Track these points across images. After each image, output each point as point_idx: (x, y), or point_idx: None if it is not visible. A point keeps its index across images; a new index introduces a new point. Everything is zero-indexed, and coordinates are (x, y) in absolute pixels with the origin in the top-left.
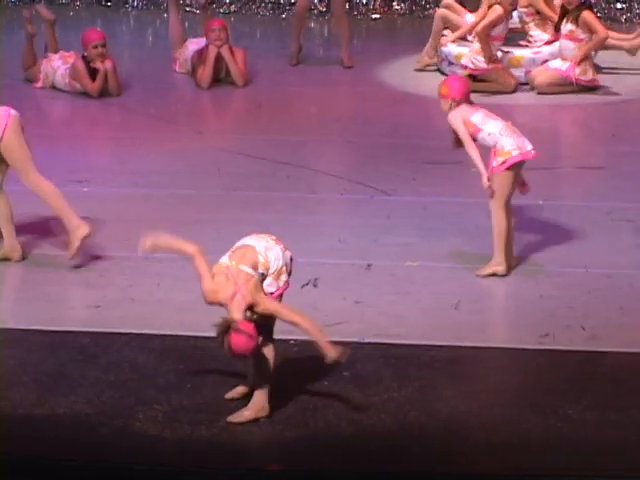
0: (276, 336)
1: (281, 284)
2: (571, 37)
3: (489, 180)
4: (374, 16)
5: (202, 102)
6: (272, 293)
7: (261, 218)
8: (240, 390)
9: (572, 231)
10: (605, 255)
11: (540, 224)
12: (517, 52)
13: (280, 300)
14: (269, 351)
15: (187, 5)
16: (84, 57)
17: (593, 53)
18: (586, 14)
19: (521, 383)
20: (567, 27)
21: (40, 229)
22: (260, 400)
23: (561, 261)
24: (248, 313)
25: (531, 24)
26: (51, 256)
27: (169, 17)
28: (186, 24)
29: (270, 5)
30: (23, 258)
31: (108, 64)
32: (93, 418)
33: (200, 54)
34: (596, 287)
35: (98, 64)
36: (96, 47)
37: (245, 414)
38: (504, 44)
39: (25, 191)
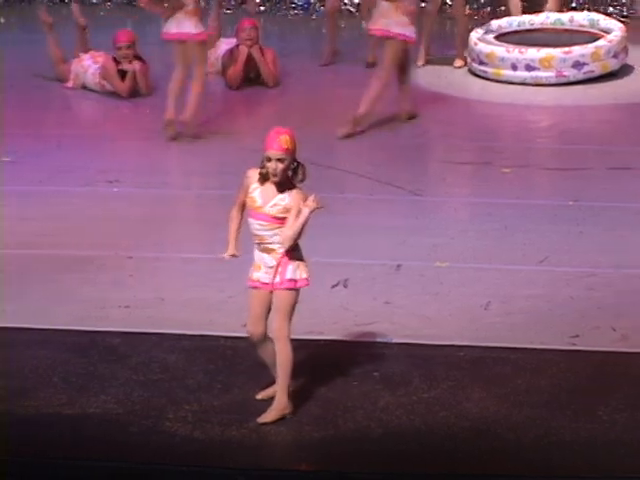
0: (305, 336)
1: None
2: None
3: None
4: None
5: (232, 102)
6: None
7: None
8: (270, 391)
9: (602, 232)
10: (636, 256)
11: (570, 225)
12: (545, 52)
13: None
14: (286, 350)
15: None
16: (114, 58)
17: None
18: None
19: (550, 384)
20: None
21: (69, 229)
22: (282, 399)
23: (591, 262)
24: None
25: None
26: (82, 256)
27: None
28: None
29: (300, 6)
30: None
31: (136, 65)
32: (123, 418)
33: (230, 54)
34: (627, 288)
35: (126, 65)
36: (121, 48)
37: (271, 414)
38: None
39: (58, 191)
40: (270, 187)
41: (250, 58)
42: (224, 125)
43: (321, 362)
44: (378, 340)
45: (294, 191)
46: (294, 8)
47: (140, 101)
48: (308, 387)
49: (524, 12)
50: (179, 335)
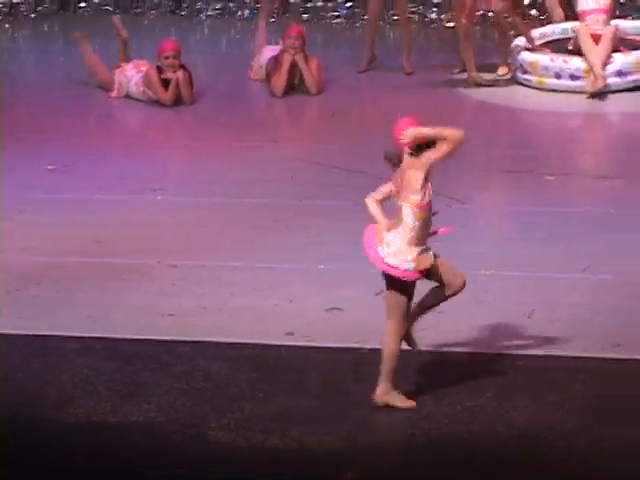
0: (349, 344)
1: None
2: None
3: None
4: (449, 24)
5: (276, 110)
6: None
7: (335, 227)
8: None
9: None
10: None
11: (613, 233)
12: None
13: None
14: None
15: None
16: (158, 67)
17: None
18: None
19: (595, 392)
20: None
21: (114, 237)
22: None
23: (633, 270)
24: None
25: None
26: (126, 265)
27: (257, 24)
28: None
29: (343, 15)
30: None
31: (180, 74)
32: (166, 426)
33: (275, 61)
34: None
35: (169, 74)
36: (168, 58)
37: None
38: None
39: (102, 200)
40: None
41: (294, 66)
42: (268, 133)
43: (365, 370)
44: (425, 349)
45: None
46: (337, 17)
47: (183, 109)
48: (350, 395)
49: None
50: (222, 343)
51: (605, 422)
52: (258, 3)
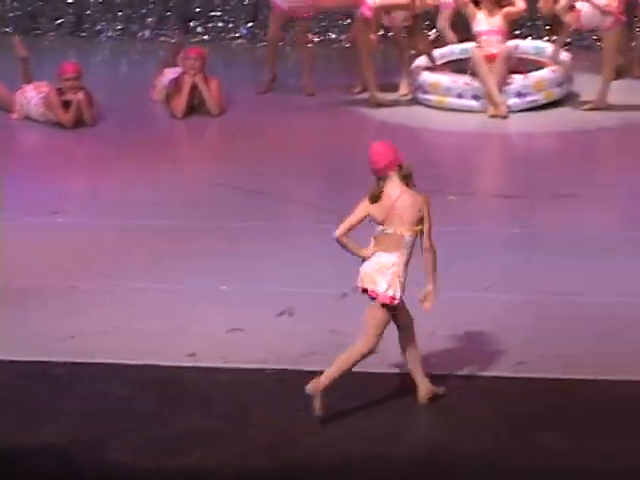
0: (257, 365)
1: None
2: None
3: None
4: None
5: (177, 132)
6: None
7: (237, 248)
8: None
9: (548, 259)
10: (581, 283)
11: (516, 252)
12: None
13: None
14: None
15: (162, 35)
16: (58, 89)
17: None
18: None
19: (497, 411)
20: None
21: (13, 260)
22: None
23: (536, 289)
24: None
25: None
26: (27, 288)
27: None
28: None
29: (243, 36)
30: None
31: (80, 95)
32: (68, 448)
33: (175, 83)
34: (572, 315)
35: (70, 96)
36: (68, 80)
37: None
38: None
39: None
40: None
41: (194, 87)
42: (169, 154)
43: (266, 390)
44: (322, 369)
45: None
46: (238, 38)
47: (84, 131)
48: (252, 415)
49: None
50: (124, 365)
51: (503, 442)
52: (159, 24)
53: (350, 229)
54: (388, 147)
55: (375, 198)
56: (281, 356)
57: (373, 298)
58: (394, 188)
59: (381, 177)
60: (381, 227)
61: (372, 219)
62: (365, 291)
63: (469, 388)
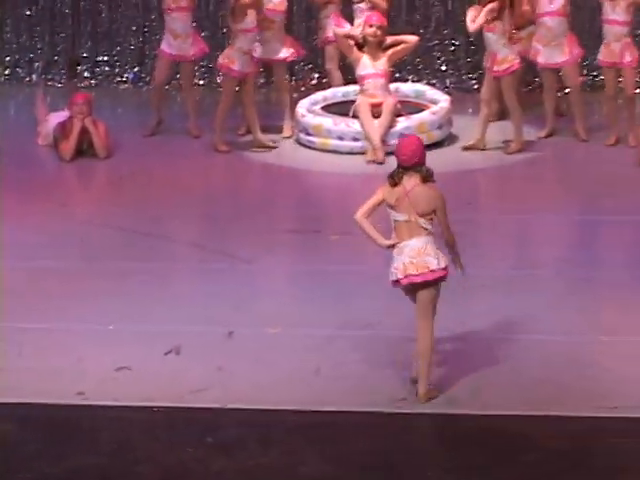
0: (140, 403)
1: None
2: None
3: None
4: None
5: (65, 174)
6: None
7: (123, 289)
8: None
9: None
10: (460, 320)
11: (395, 289)
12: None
13: None
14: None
15: (49, 79)
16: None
17: None
18: None
19: (381, 447)
20: None
21: None
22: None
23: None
24: None
25: None
26: None
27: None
28: (48, 98)
29: (130, 80)
30: None
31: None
32: None
33: (63, 127)
34: (452, 350)
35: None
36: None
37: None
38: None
39: None
40: None
41: (83, 131)
42: (57, 196)
43: (154, 428)
44: (211, 406)
45: None
46: (124, 82)
47: None
48: (140, 452)
49: (346, 83)
50: (10, 404)
51: (384, 477)
52: (46, 69)
53: (369, 211)
54: (418, 146)
55: (393, 182)
56: (168, 393)
57: (423, 284)
58: (411, 181)
59: (404, 167)
60: (395, 215)
61: (386, 203)
62: (409, 282)
63: (355, 424)
